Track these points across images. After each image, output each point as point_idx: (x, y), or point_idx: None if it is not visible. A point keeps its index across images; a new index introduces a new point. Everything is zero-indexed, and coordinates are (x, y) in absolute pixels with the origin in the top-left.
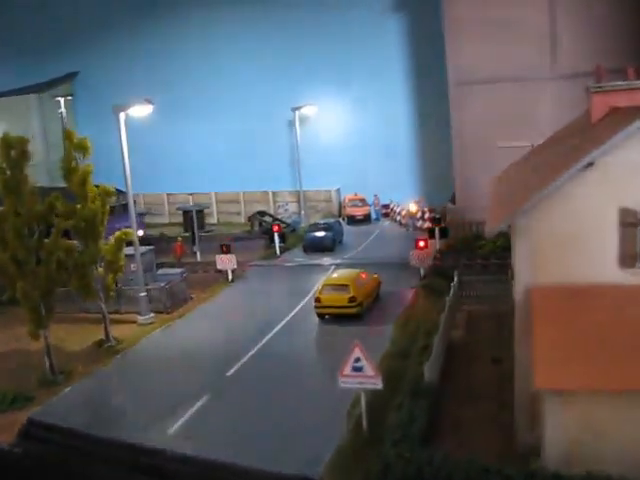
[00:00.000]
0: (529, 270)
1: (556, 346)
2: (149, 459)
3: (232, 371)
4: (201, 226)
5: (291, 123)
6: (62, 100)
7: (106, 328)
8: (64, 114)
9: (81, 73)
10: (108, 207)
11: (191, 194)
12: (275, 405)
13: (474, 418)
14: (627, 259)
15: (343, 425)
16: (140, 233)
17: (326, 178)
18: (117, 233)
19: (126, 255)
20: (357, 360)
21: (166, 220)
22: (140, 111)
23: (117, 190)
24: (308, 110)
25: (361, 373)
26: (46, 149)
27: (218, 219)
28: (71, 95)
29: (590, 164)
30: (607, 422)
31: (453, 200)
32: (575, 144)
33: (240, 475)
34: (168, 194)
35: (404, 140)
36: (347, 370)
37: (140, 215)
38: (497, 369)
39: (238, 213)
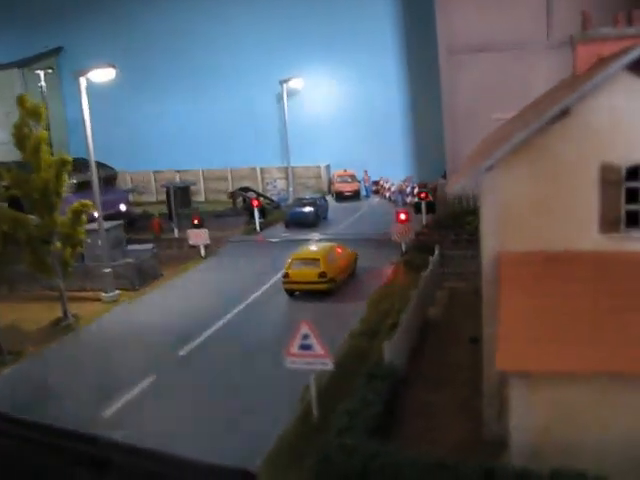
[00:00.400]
0: (496, 235)
1: (524, 320)
2: (75, 445)
3: (185, 351)
4: (187, 204)
5: (279, 97)
6: (42, 73)
7: (64, 306)
8: (44, 88)
9: (67, 48)
10: (66, 177)
11: (178, 171)
12: (225, 388)
13: (442, 404)
14: (609, 222)
15: (292, 412)
16: (123, 208)
17: (316, 154)
18: (74, 204)
19: (92, 230)
20: (305, 337)
21: (153, 198)
22: (102, 76)
23: (100, 164)
24: (296, 83)
25: (310, 352)
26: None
27: (206, 197)
28: (51, 68)
29: (565, 112)
30: (581, 409)
31: (445, 176)
32: (556, 97)
33: (169, 465)
34: (155, 172)
35: (396, 115)
36: (294, 348)
37: (125, 192)
38: (475, 350)
39: (227, 191)
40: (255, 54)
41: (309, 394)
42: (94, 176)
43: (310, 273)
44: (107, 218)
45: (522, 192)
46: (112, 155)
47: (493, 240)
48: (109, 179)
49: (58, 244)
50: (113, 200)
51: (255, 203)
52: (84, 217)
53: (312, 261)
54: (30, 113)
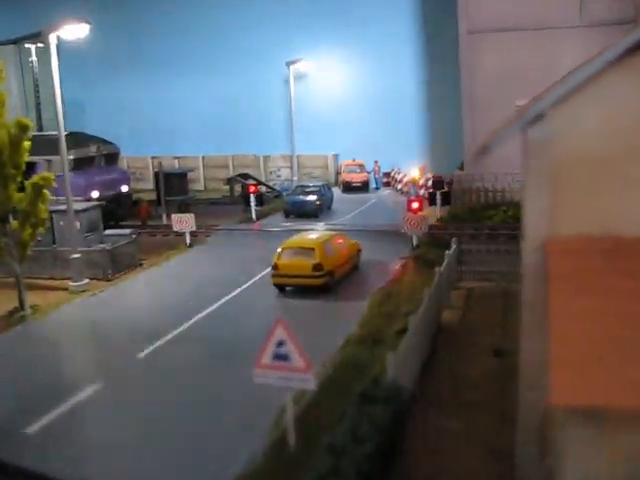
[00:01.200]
0: (544, 214)
1: (587, 335)
2: None
3: (146, 352)
4: (184, 191)
5: (286, 80)
6: (33, 47)
7: (20, 294)
8: (35, 63)
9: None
10: (26, 145)
11: (177, 157)
12: (181, 405)
13: (460, 437)
14: None
15: (263, 439)
16: (124, 189)
17: (323, 143)
18: (34, 177)
19: (63, 211)
20: (280, 344)
21: (151, 185)
22: (74, 32)
23: (102, 140)
24: (304, 66)
25: (286, 363)
26: (23, 101)
27: (205, 185)
28: (42, 43)
29: None
30: None
31: (462, 167)
32: None
33: None
34: (153, 157)
35: (409, 102)
36: (265, 358)
37: (127, 172)
38: (500, 365)
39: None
40: (260, 33)
41: (285, 418)
42: (63, 154)
43: (303, 265)
44: (108, 200)
45: (587, 152)
46: (110, 138)
47: (540, 221)
48: (111, 157)
49: (15, 223)
50: (114, 180)
51: (251, 189)
52: (46, 193)
53: (306, 251)
54: None
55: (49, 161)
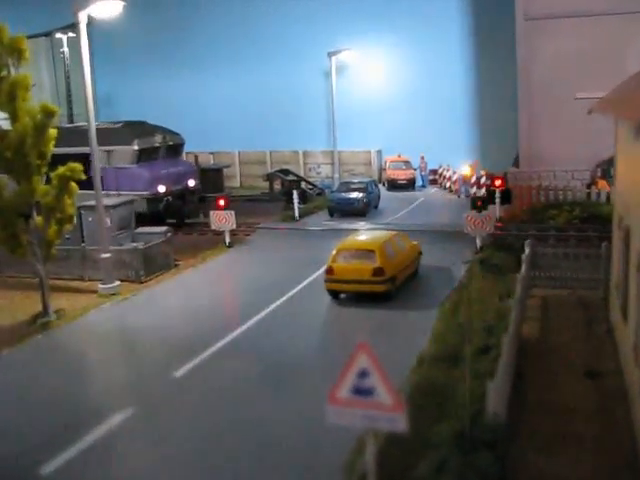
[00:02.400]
0: None
1: None
2: None
3: (183, 370)
4: (220, 187)
5: (327, 72)
6: (64, 38)
7: (44, 298)
8: (67, 54)
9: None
10: (51, 131)
11: (212, 153)
12: (230, 438)
13: None
14: None
15: None
16: (191, 183)
17: (366, 138)
18: (60, 169)
19: (91, 207)
20: (363, 374)
21: None
22: (107, 10)
23: (168, 130)
24: (347, 56)
25: (369, 399)
26: (55, 94)
27: (241, 182)
28: (74, 33)
29: None
30: None
31: (517, 164)
32: None
33: None
34: (187, 152)
35: (459, 95)
36: (343, 392)
37: (191, 165)
38: (596, 388)
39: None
40: (301, 23)
41: (363, 463)
42: (93, 144)
43: (362, 269)
44: (174, 196)
45: None
46: None
47: None
48: (176, 148)
49: (39, 219)
50: (181, 173)
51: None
52: (74, 186)
53: (365, 253)
54: (8, 48)
55: (109, 152)
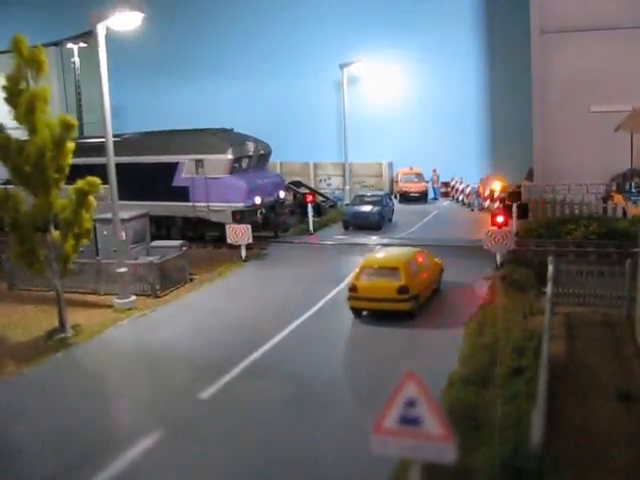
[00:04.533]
0: None
1: None
2: None
3: (210, 392)
4: None
5: (338, 84)
6: (75, 48)
7: (61, 313)
8: (77, 64)
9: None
10: (69, 144)
11: None
12: (264, 462)
13: None
14: None
15: None
16: (282, 195)
17: (377, 150)
18: (79, 183)
19: (106, 220)
20: (411, 404)
21: None
22: (125, 22)
23: (257, 139)
24: (359, 68)
25: (417, 429)
26: (64, 104)
27: None
28: (85, 43)
29: None
30: None
31: (530, 177)
32: None
33: None
34: None
35: (471, 107)
36: (390, 421)
37: (280, 176)
38: (629, 411)
39: None
40: (312, 34)
41: None
42: (110, 155)
43: (387, 287)
44: (267, 208)
45: None
46: None
47: None
48: (265, 158)
49: (56, 233)
50: (273, 184)
51: (309, 198)
52: (92, 200)
53: (390, 271)
54: (28, 61)
55: (199, 161)
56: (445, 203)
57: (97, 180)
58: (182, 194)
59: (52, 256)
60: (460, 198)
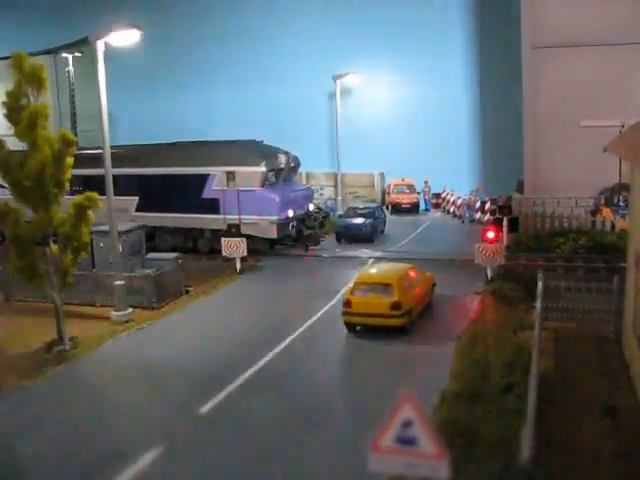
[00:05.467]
0: None
1: None
2: None
3: (209, 407)
4: None
5: (331, 95)
6: (70, 57)
7: (59, 326)
8: (72, 73)
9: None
10: (69, 159)
11: None
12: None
13: None
14: None
15: None
16: (311, 207)
17: (368, 161)
18: (77, 197)
19: (103, 232)
20: (407, 424)
21: None
22: (124, 39)
23: (277, 149)
24: (351, 80)
25: (412, 448)
26: (58, 113)
27: None
28: (81, 52)
29: None
30: None
31: (520, 189)
32: None
33: None
34: None
35: (463, 117)
36: (387, 440)
37: (309, 188)
38: (615, 427)
39: None
40: (305, 47)
41: None
42: (107, 167)
43: (380, 303)
44: (298, 221)
45: None
46: None
47: None
48: (295, 170)
49: (55, 247)
50: (304, 197)
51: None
52: (90, 214)
53: (383, 287)
54: (28, 78)
55: (230, 173)
56: (436, 214)
57: (96, 195)
58: (212, 206)
59: (51, 270)
60: (451, 210)
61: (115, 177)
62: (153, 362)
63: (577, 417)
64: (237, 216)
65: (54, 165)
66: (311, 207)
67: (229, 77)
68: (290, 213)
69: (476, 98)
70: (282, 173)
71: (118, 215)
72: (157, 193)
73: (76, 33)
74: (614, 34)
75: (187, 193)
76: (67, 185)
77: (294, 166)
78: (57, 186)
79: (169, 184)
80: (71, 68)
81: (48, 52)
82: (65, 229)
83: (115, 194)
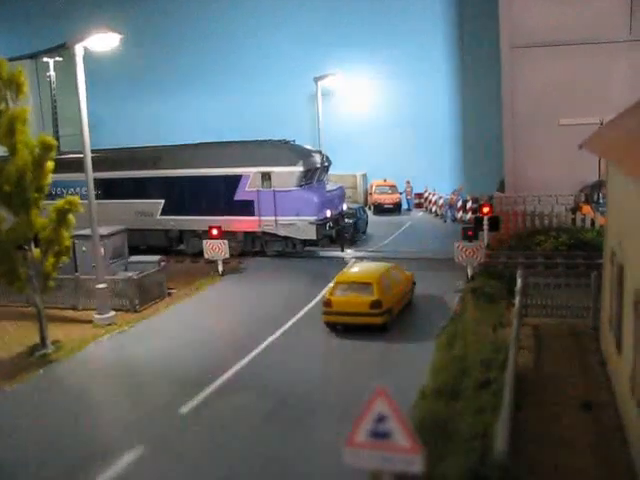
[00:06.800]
0: None
1: None
2: None
3: (189, 407)
4: None
5: (313, 96)
6: (51, 62)
7: (42, 330)
8: (53, 77)
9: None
10: (49, 164)
11: None
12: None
13: None
14: None
15: None
16: (344, 207)
17: (351, 161)
18: (59, 201)
19: (84, 236)
20: (381, 419)
21: None
22: (103, 43)
23: (310, 149)
24: (333, 81)
25: (386, 442)
26: (40, 118)
27: None
28: (61, 56)
29: None
30: None
31: (502, 188)
32: None
33: None
34: None
35: (444, 119)
36: (362, 436)
37: (342, 188)
38: (592, 420)
39: None
40: (287, 48)
41: None
42: (88, 170)
43: (360, 302)
44: (334, 221)
45: None
46: None
47: None
48: (327, 170)
49: (37, 251)
50: (338, 197)
51: None
52: (71, 218)
53: (363, 286)
54: (7, 82)
55: (266, 174)
56: (419, 214)
57: (77, 199)
58: (246, 208)
59: (32, 274)
60: (433, 209)
61: (138, 180)
62: (134, 364)
63: (555, 412)
64: (273, 217)
65: (34, 170)
66: (344, 206)
67: (211, 80)
68: (328, 213)
69: (458, 98)
70: (317, 173)
71: (143, 219)
72: (185, 195)
73: (58, 37)
74: (592, 33)
75: (218, 195)
76: (46, 189)
77: (327, 165)
78: (37, 191)
79: (198, 186)
80: (52, 72)
81: (30, 56)
82: (46, 233)
83: (139, 197)
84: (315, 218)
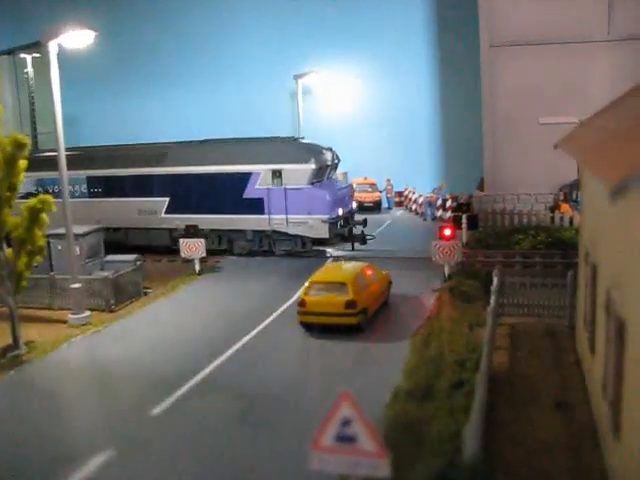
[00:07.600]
0: None
1: None
2: None
3: (160, 408)
4: None
5: (294, 94)
6: (29, 58)
7: (14, 331)
8: (30, 74)
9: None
10: (21, 163)
11: None
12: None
13: None
14: None
15: None
16: (354, 205)
17: None
18: (31, 200)
19: (59, 235)
20: (346, 423)
21: None
22: (77, 40)
23: (320, 146)
24: (313, 79)
25: (352, 446)
26: (17, 115)
27: None
28: (39, 53)
29: None
30: None
31: (482, 187)
32: None
33: None
34: None
35: (424, 118)
36: (327, 440)
37: (351, 186)
38: (566, 420)
39: None
40: (266, 46)
41: None
42: (62, 168)
43: (335, 302)
44: (344, 219)
45: None
46: None
47: None
48: (336, 168)
49: (9, 251)
50: (348, 195)
51: None
52: (44, 217)
53: (337, 286)
54: None
55: (276, 172)
56: (399, 213)
57: (50, 198)
58: (255, 206)
59: (5, 273)
60: (413, 208)
61: (141, 177)
62: (107, 365)
63: (529, 412)
64: (284, 215)
65: (5, 168)
66: (354, 205)
67: (191, 78)
68: (340, 211)
69: (438, 97)
70: (328, 170)
71: (147, 218)
72: (191, 193)
73: (37, 34)
74: (571, 32)
75: (225, 193)
76: (19, 188)
77: (337, 163)
78: (9, 189)
79: (205, 184)
80: (30, 69)
81: (8, 52)
82: (18, 233)
83: (142, 195)
84: (328, 216)
